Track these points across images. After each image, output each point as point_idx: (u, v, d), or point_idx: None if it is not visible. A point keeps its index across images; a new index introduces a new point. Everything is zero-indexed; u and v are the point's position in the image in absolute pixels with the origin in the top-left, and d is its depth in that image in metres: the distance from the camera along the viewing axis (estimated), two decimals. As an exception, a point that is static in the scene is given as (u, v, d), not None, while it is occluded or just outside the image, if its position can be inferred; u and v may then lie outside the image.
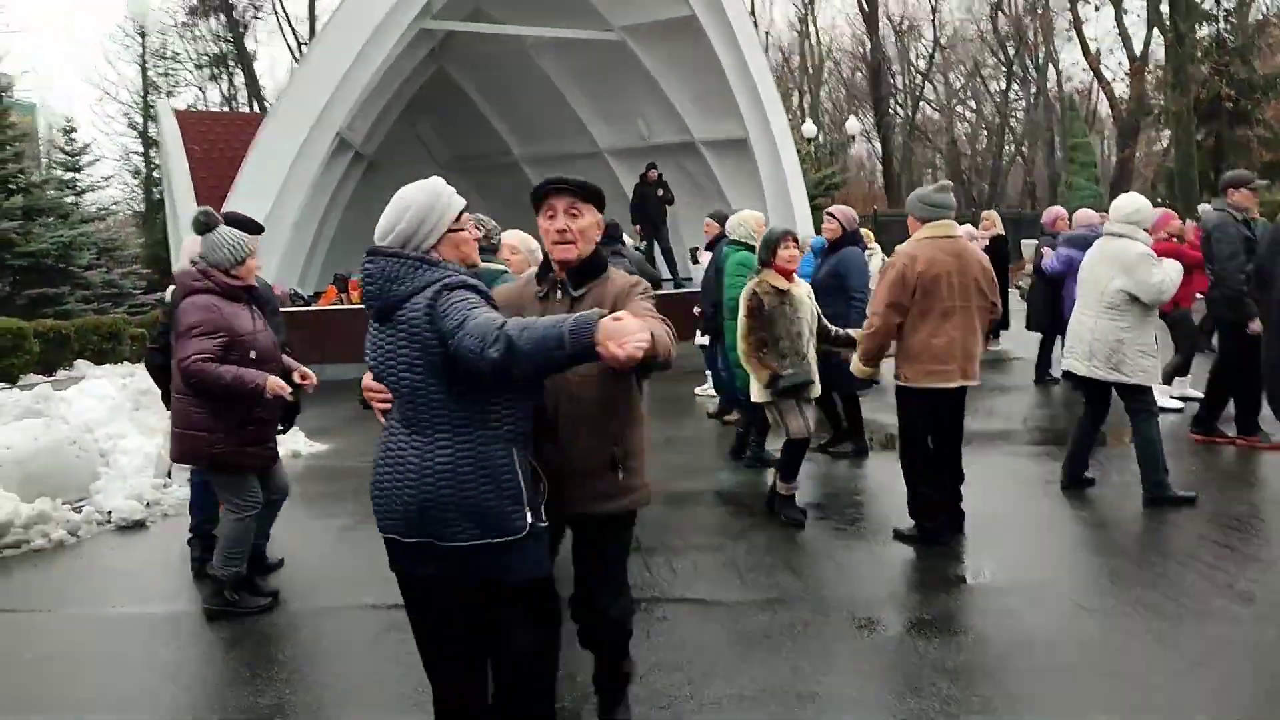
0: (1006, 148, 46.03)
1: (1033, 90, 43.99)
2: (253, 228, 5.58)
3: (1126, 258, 5.97)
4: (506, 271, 4.56)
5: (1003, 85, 45.28)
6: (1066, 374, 6.63)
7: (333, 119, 14.77)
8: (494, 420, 2.84)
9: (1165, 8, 25.44)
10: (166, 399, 5.71)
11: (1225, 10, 26.42)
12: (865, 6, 39.07)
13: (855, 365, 5.81)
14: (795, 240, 6.05)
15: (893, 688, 3.94)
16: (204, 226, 4.92)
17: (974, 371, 5.54)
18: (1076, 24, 34.65)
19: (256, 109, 35.63)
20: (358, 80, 14.67)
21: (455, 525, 2.82)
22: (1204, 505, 6.18)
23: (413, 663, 3.26)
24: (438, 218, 2.94)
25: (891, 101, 42.57)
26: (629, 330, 2.50)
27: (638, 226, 16.27)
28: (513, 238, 5.20)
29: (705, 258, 9.77)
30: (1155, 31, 32.04)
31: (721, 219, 8.99)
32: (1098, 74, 35.48)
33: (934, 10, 43.14)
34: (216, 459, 4.89)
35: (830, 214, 7.86)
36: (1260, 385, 7.29)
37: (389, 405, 2.91)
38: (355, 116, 16.17)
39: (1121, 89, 35.33)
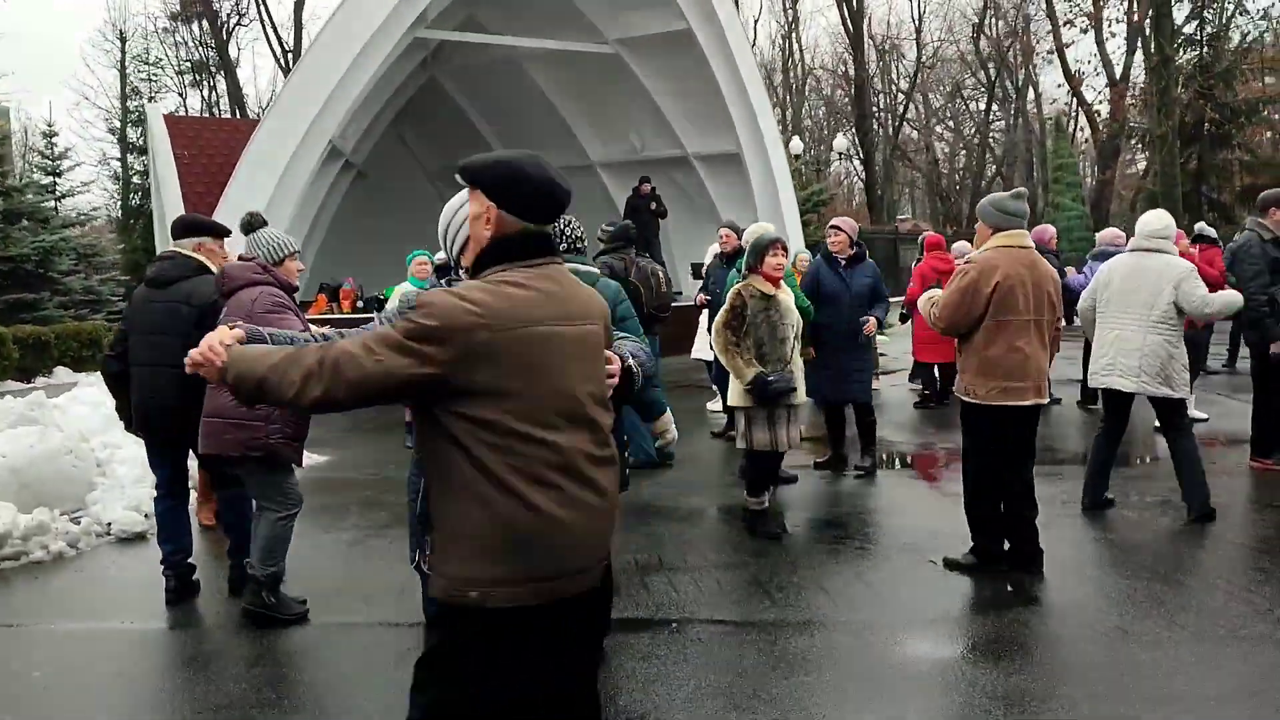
0: (986, 168, 46.33)
1: (1012, 110, 44.34)
2: (216, 230, 5.55)
3: (1176, 272, 5.99)
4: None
5: (982, 105, 45.63)
6: (1091, 392, 6.59)
7: (325, 127, 14.62)
8: None
9: (1149, 32, 25.69)
10: (120, 409, 5.58)
11: (1208, 34, 26.72)
12: (851, 26, 39.28)
13: (923, 308, 5.50)
14: (784, 248, 6.10)
15: (947, 714, 3.84)
16: (249, 227, 4.89)
17: (1045, 389, 5.32)
18: (1059, 46, 34.95)
19: (239, 116, 35.33)
20: (351, 88, 14.54)
21: None
22: (1229, 528, 6.14)
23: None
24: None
25: (874, 120, 42.81)
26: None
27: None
28: None
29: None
30: (1136, 55, 32.43)
31: (738, 230, 8.88)
32: (1079, 96, 35.80)
33: (917, 30, 43.43)
34: (272, 450, 4.75)
35: (837, 227, 7.83)
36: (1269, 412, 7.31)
37: None
38: (347, 125, 16.01)
39: (1101, 111, 35.66)
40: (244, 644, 4.73)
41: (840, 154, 36.96)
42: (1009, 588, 5.13)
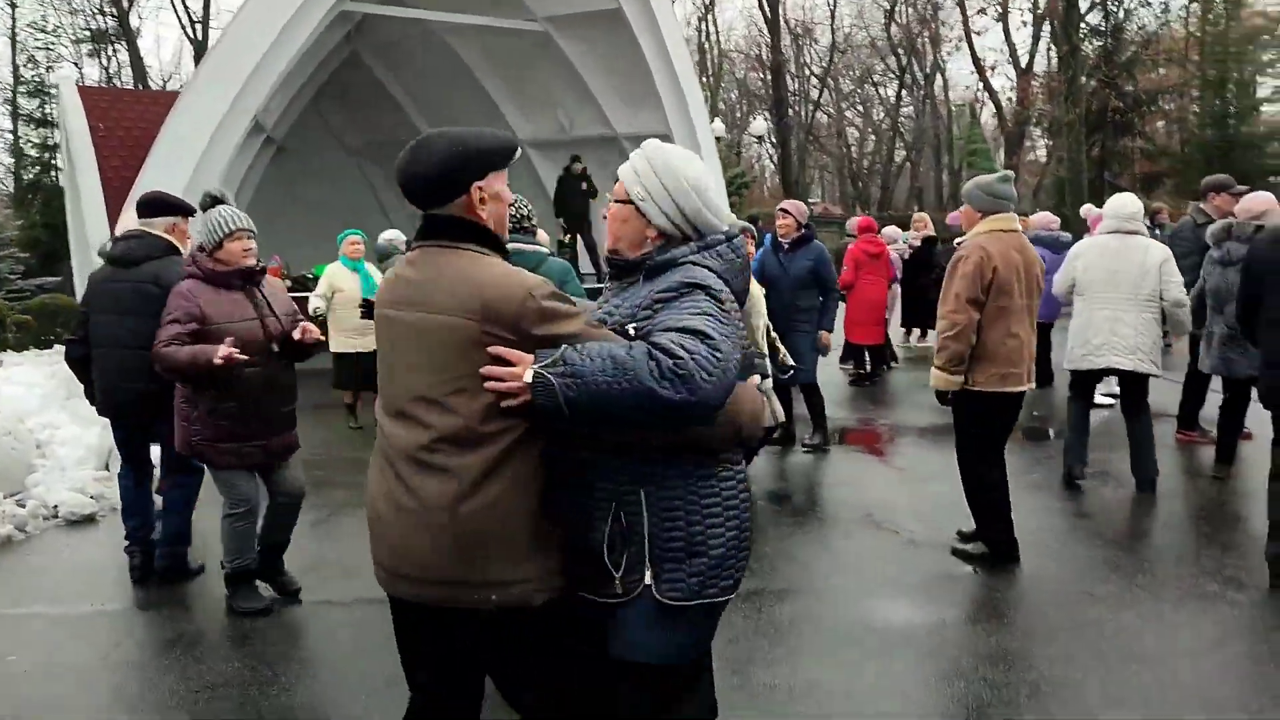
0: (896, 153, 47.22)
1: (920, 97, 45.24)
2: (186, 209, 5.38)
3: (1159, 253, 6.26)
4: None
5: (892, 91, 46.46)
6: (1046, 373, 6.82)
7: (250, 101, 14.20)
8: None
9: (1056, 22, 26.49)
10: (89, 393, 5.48)
11: (1111, 25, 27.64)
12: (767, 9, 39.55)
13: (939, 377, 5.10)
14: (753, 237, 6.12)
15: (938, 674, 3.99)
16: (205, 207, 4.73)
17: (1033, 373, 5.29)
18: (967, 34, 35.80)
19: (141, 88, 34.05)
20: (277, 62, 14.16)
21: None
22: (1167, 497, 6.46)
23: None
24: None
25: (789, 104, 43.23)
26: None
27: (561, 220, 16.15)
28: None
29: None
30: (1041, 45, 33.40)
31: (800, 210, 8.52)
32: (987, 84, 36.73)
33: (832, 15, 43.98)
34: (196, 449, 4.68)
35: (785, 210, 7.92)
36: (1202, 384, 7.70)
37: None
38: (270, 100, 15.59)
39: (1008, 99, 36.62)
40: (228, 624, 4.68)
41: (759, 138, 37.22)
42: (970, 559, 5.32)
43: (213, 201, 4.80)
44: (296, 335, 4.73)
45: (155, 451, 5.53)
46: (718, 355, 2.14)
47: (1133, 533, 5.85)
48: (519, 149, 2.56)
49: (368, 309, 5.44)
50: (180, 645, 4.44)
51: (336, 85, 19.68)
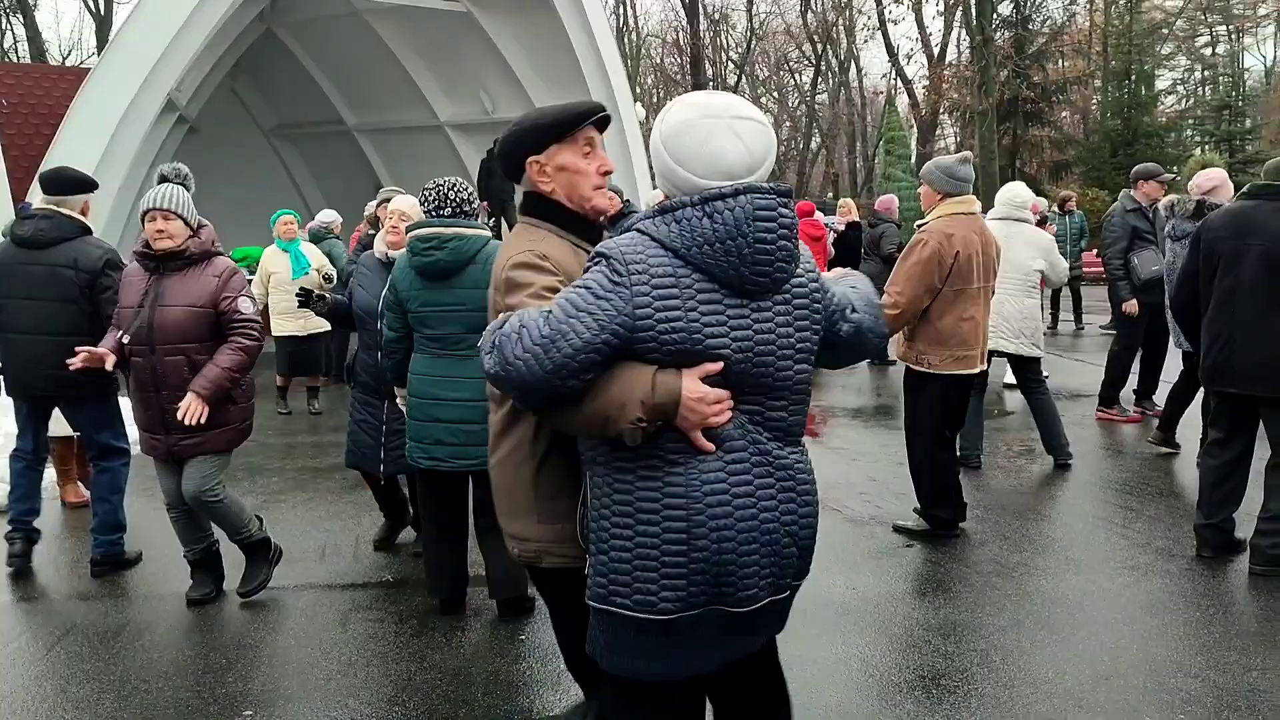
0: (811, 140, 47.76)
1: (835, 84, 45.82)
2: (79, 186, 5.21)
3: (1044, 242, 6.45)
4: None
5: (807, 79, 46.94)
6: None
7: (164, 78, 13.80)
8: None
9: (972, 13, 27.08)
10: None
11: (1020, 16, 28.36)
12: (685, -6, 39.65)
13: None
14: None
15: (892, 643, 4.09)
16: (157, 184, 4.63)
17: (986, 354, 5.40)
18: (882, 23, 36.35)
19: (39, 64, 32.70)
20: (193, 38, 13.77)
21: (806, 563, 2.30)
22: (1091, 473, 6.70)
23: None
24: None
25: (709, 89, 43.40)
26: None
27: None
28: (404, 203, 5.02)
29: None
30: (953, 35, 34.10)
31: (619, 191, 8.83)
32: (900, 73, 37.41)
33: (749, 1, 44.20)
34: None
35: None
36: (1125, 365, 7.99)
37: (727, 417, 2.11)
38: (183, 78, 15.14)
39: (921, 88, 37.33)
40: (175, 613, 4.57)
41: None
42: (913, 535, 5.44)
43: (160, 180, 4.66)
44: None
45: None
46: (541, 334, 2.00)
47: (1063, 509, 6.05)
48: (591, 114, 2.43)
49: (305, 297, 5.28)
50: (127, 634, 4.32)
51: (250, 64, 19.20)
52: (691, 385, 2.03)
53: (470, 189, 4.39)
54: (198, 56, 14.69)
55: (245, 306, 4.47)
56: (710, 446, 2.06)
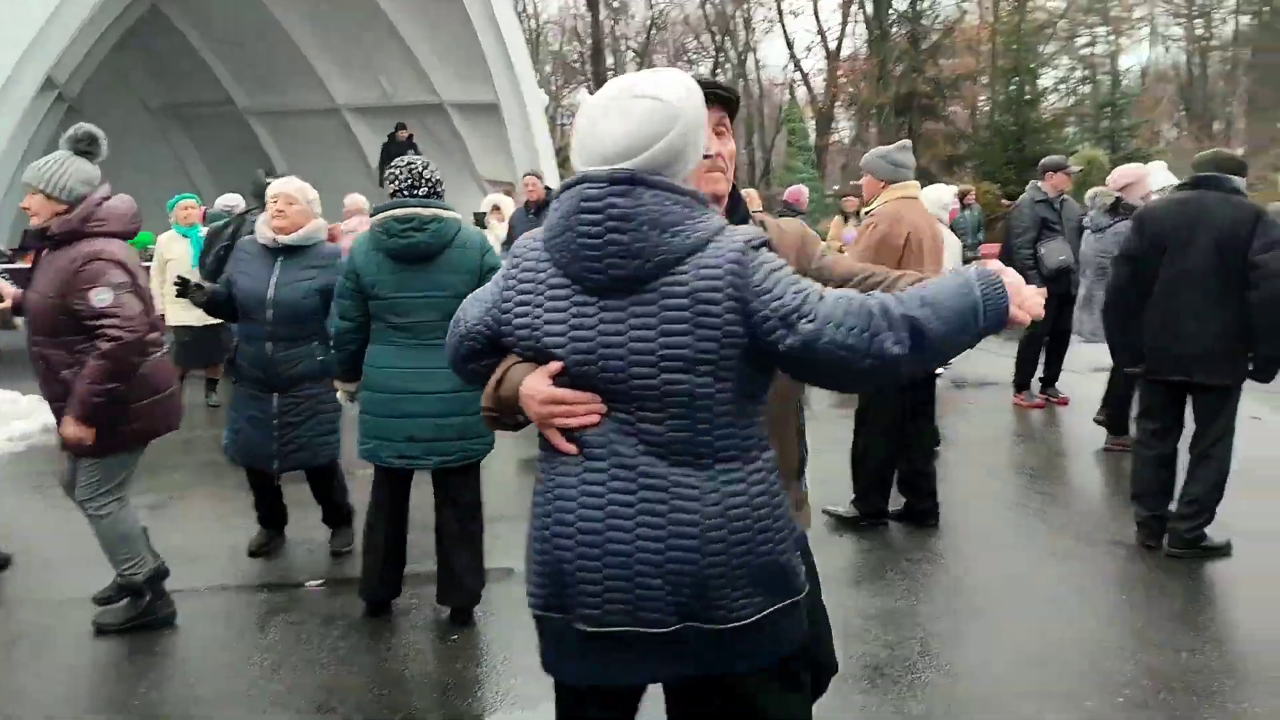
0: (710, 130, 48.02)
1: (735, 75, 46.16)
2: None
3: (954, 245, 6.63)
4: None
5: (706, 70, 47.20)
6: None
7: (43, 55, 13.13)
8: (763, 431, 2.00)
9: (870, 7, 27.54)
10: None
11: (916, 13, 28.92)
12: (585, -18, 39.43)
13: None
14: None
15: (835, 636, 4.05)
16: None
17: None
18: (779, 15, 36.74)
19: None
20: (74, 13, 13.12)
21: (739, 595, 1.92)
22: (1002, 459, 6.84)
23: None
24: (702, 136, 1.97)
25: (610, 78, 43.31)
26: (1019, 286, 1.89)
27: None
28: (289, 186, 4.76)
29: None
30: (850, 28, 34.61)
31: (541, 176, 8.84)
32: (798, 65, 37.87)
33: (649, -10, 44.20)
34: None
35: (535, 175, 8.57)
36: (1031, 353, 8.17)
37: (594, 419, 1.92)
38: (63, 55, 14.40)
39: (818, 81, 37.84)
40: (74, 620, 4.27)
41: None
42: (843, 522, 5.44)
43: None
44: None
45: None
46: (456, 317, 2.13)
47: (983, 494, 6.12)
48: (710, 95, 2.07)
49: (183, 286, 4.88)
50: (31, 641, 4.04)
51: (135, 41, 18.37)
52: (532, 382, 1.94)
53: (437, 169, 4.16)
54: (79, 32, 14.01)
55: (99, 299, 3.76)
56: (569, 448, 1.93)
